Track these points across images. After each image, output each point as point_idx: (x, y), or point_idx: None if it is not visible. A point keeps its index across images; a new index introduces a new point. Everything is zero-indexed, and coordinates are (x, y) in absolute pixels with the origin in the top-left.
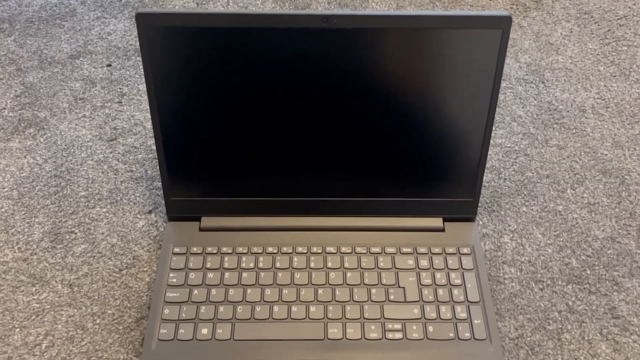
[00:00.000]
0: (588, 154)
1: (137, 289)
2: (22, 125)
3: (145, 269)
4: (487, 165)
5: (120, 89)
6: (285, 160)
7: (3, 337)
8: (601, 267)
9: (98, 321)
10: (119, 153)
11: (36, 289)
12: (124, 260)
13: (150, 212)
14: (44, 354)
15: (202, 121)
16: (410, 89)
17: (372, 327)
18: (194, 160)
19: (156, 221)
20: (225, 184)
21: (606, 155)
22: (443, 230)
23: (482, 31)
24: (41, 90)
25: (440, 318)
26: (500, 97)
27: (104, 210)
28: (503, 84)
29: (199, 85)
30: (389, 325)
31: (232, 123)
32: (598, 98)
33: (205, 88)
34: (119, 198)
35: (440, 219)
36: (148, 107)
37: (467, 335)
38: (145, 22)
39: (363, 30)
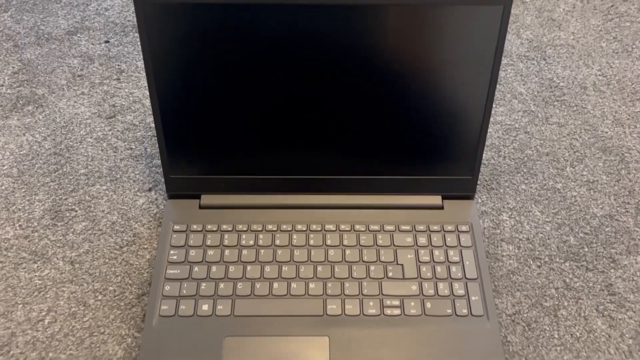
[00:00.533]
0: (588, 132)
1: (138, 266)
2: (21, 102)
3: (145, 246)
4: (487, 142)
5: (118, 65)
6: (284, 137)
7: (6, 313)
8: (599, 244)
9: (100, 297)
10: (118, 130)
11: (38, 266)
12: (125, 238)
13: (150, 189)
14: (47, 330)
15: (201, 98)
16: (409, 66)
17: (371, 304)
18: (193, 138)
19: (156, 199)
20: (225, 161)
21: (606, 132)
22: (442, 208)
23: (482, 7)
24: (39, 67)
25: (438, 295)
26: (501, 74)
27: (104, 187)
28: (504, 61)
29: (198, 62)
30: (387, 302)
31: (231, 100)
32: (600, 75)
33: (204, 65)
34: (118, 176)
35: (439, 197)
36: (146, 84)
37: (465, 311)
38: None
39: (362, 6)
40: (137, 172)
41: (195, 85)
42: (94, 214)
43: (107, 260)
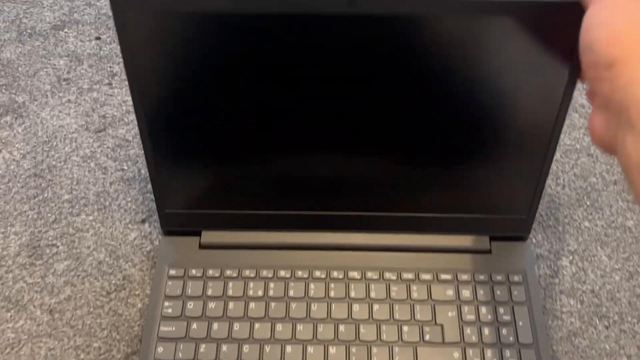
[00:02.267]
0: None
1: (128, 316)
2: None
3: (137, 292)
4: None
5: (110, 67)
6: (299, 165)
7: None
8: None
9: (82, 356)
10: (108, 147)
11: (11, 315)
12: (113, 281)
13: (143, 221)
14: None
15: (199, 119)
16: (457, 84)
17: None
18: (190, 166)
19: (150, 233)
20: (229, 192)
21: None
22: (489, 252)
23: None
24: (20, 68)
25: None
26: None
27: (90, 218)
28: None
29: (194, 80)
30: None
31: (235, 122)
32: None
33: (200, 82)
34: (107, 203)
35: (487, 238)
36: None
37: None
38: (124, 7)
39: (399, 17)
40: (129, 199)
41: (192, 105)
42: (78, 250)
43: (91, 309)
